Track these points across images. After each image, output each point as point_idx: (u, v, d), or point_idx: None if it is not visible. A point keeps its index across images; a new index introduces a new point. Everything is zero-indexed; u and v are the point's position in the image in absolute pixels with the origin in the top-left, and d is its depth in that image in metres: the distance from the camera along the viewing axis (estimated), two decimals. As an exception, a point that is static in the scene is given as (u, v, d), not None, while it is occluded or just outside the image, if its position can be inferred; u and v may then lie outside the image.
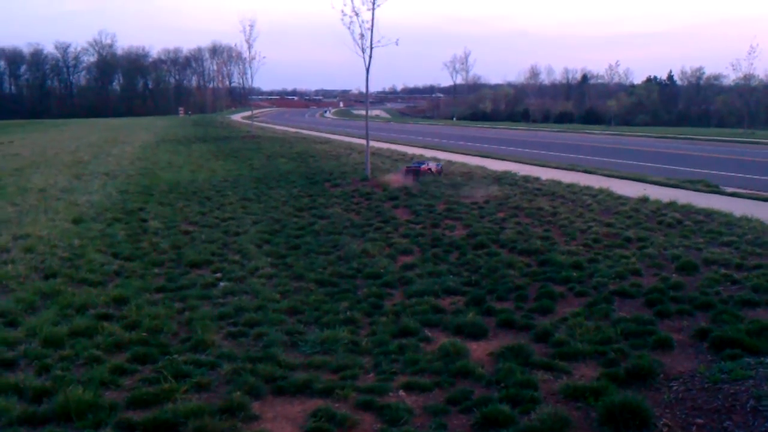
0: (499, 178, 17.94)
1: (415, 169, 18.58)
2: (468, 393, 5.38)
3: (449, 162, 22.82)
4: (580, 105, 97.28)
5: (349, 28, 18.41)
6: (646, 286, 8.26)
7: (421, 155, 25.71)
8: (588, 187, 15.89)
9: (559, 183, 16.83)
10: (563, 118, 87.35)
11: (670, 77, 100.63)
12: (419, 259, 9.91)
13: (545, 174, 18.87)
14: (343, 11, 18.26)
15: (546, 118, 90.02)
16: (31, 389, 5.35)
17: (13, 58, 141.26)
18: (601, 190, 15.37)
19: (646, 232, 11.19)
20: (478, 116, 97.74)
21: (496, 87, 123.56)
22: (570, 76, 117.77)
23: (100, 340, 6.46)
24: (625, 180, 18.09)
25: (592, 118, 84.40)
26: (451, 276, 8.90)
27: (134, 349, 6.26)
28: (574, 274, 8.79)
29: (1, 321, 7.07)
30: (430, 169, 19.04)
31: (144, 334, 6.66)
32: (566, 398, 5.29)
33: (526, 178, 17.85)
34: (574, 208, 13.38)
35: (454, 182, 17.28)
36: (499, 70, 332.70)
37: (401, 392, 5.44)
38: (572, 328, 6.78)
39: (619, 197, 14.58)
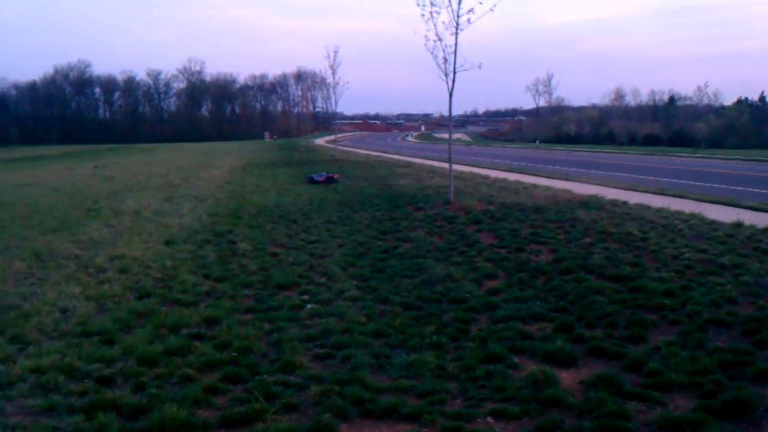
0: (586, 202, 17.62)
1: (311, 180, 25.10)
2: (558, 422, 5.27)
3: (533, 186, 22.57)
4: (667, 127, 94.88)
5: (432, 52, 18.55)
6: (743, 314, 7.93)
7: (505, 178, 25.54)
8: (679, 212, 15.43)
9: (648, 207, 16.41)
10: (650, 141, 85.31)
11: (762, 99, 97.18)
12: (505, 283, 9.81)
13: (633, 198, 18.43)
14: (426, 36, 18.41)
15: (632, 141, 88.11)
16: (128, 406, 5.53)
17: (108, 85, 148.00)
18: (692, 215, 14.89)
19: (741, 258, 10.78)
20: (561, 139, 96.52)
21: (579, 109, 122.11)
22: (657, 98, 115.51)
23: (192, 360, 6.64)
24: (717, 204, 17.47)
25: (680, 140, 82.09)
26: (538, 302, 8.76)
27: (225, 368, 6.40)
28: (667, 301, 8.51)
29: (99, 339, 7.32)
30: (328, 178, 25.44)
31: (234, 354, 6.79)
32: (661, 430, 5.12)
33: (614, 203, 17.47)
34: (664, 234, 13.01)
35: (537, 206, 17.08)
36: (583, 92, 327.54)
37: (489, 419, 5.38)
38: (666, 357, 6.57)
39: (712, 222, 14.10)
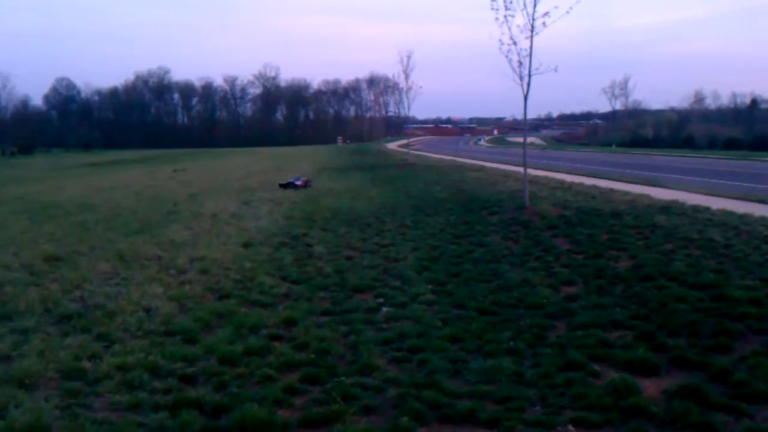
0: (666, 208, 17.17)
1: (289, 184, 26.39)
2: (641, 432, 5.15)
3: (610, 190, 22.10)
4: (749, 131, 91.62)
5: (506, 56, 18.39)
6: (835, 325, 7.60)
7: (581, 183, 25.11)
8: (763, 218, 14.85)
9: (731, 213, 15.86)
10: (731, 145, 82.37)
11: None
12: (583, 290, 9.63)
13: (715, 203, 17.84)
14: (500, 40, 18.25)
15: (712, 145, 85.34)
16: (210, 404, 5.66)
17: (186, 91, 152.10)
18: (778, 222, 14.33)
19: (832, 267, 10.32)
20: (638, 143, 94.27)
21: (657, 113, 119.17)
22: (738, 101, 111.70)
23: (272, 360, 6.75)
24: (806, 211, 16.76)
25: (762, 144, 79.03)
26: (618, 309, 8.57)
27: (304, 369, 6.48)
28: (752, 310, 8.20)
29: (181, 338, 7.52)
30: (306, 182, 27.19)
31: (312, 355, 6.88)
32: (750, 443, 4.95)
33: (695, 208, 16.95)
34: (748, 240, 12.56)
35: (615, 211, 16.72)
36: (661, 95, 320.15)
37: (570, 427, 5.30)
38: (753, 368, 6.33)
39: (799, 229, 13.53)
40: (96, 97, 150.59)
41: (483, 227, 15.42)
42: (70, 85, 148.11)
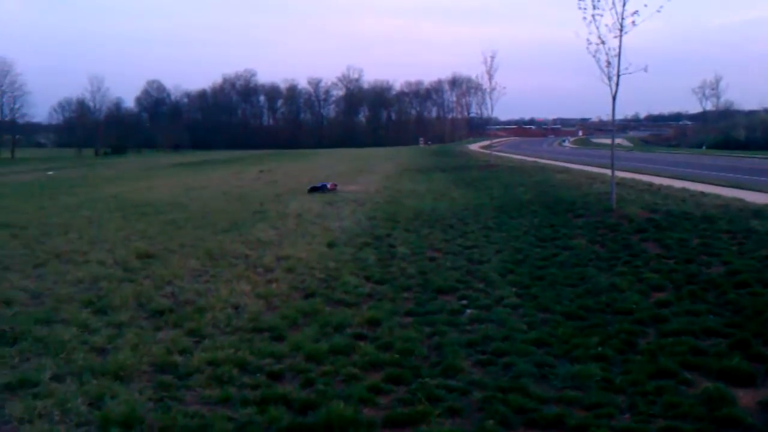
0: (761, 212, 16.48)
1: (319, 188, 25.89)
2: (737, 444, 4.97)
3: (701, 193, 21.37)
4: None
5: (594, 56, 18.02)
6: None
7: (669, 185, 24.36)
8: None
9: (833, 218, 15.11)
10: (830, 147, 78.57)
11: None
12: (674, 296, 9.33)
13: (816, 208, 17.02)
14: (588, 39, 17.90)
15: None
16: (298, 401, 5.76)
17: (272, 93, 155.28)
18: None
19: None
20: (730, 144, 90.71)
21: (750, 113, 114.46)
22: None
23: (356, 359, 6.82)
24: None
25: None
26: (711, 316, 8.28)
27: (388, 369, 6.52)
28: None
29: (269, 335, 7.68)
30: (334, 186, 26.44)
31: (397, 355, 6.90)
32: None
33: (794, 213, 16.22)
34: None
35: (707, 215, 16.16)
36: (755, 95, 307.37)
37: (661, 436, 5.15)
38: None
39: None
40: (185, 100, 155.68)
41: (568, 230, 15.15)
42: (161, 88, 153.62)
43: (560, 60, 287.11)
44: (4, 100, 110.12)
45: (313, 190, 25.77)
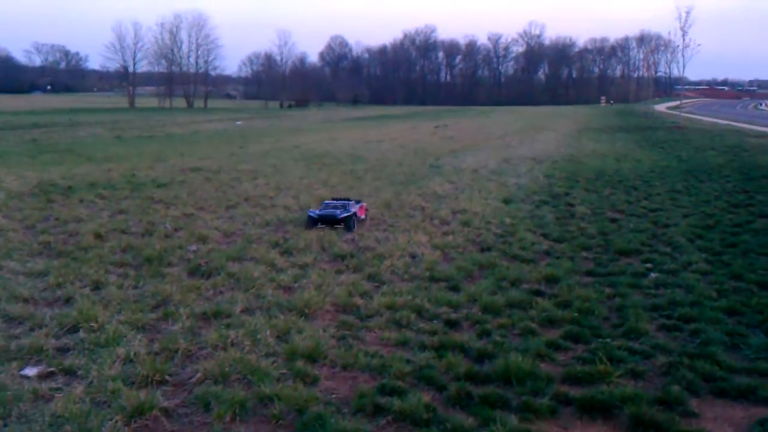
0: None
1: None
2: None
3: None
4: None
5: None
6: None
7: None
8: None
9: None
10: None
11: None
12: None
13: None
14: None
15: None
16: (474, 350, 5.77)
17: (451, 49, 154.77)
18: None
19: None
20: None
21: None
22: None
23: (533, 314, 6.72)
24: None
25: None
26: None
27: (566, 327, 6.38)
28: None
29: (445, 285, 7.75)
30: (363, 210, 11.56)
31: (575, 314, 6.73)
32: None
33: None
34: None
35: None
36: None
37: None
38: None
39: None
40: (366, 55, 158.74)
41: (765, 197, 14.07)
42: (344, 43, 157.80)
43: (762, 16, 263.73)
44: (199, 52, 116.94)
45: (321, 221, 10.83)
